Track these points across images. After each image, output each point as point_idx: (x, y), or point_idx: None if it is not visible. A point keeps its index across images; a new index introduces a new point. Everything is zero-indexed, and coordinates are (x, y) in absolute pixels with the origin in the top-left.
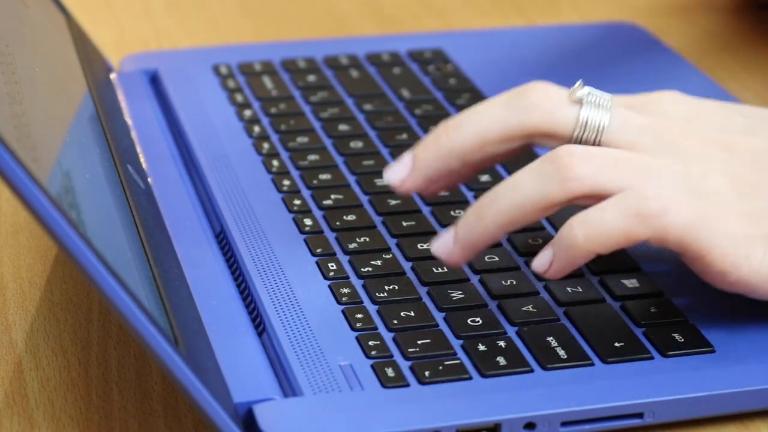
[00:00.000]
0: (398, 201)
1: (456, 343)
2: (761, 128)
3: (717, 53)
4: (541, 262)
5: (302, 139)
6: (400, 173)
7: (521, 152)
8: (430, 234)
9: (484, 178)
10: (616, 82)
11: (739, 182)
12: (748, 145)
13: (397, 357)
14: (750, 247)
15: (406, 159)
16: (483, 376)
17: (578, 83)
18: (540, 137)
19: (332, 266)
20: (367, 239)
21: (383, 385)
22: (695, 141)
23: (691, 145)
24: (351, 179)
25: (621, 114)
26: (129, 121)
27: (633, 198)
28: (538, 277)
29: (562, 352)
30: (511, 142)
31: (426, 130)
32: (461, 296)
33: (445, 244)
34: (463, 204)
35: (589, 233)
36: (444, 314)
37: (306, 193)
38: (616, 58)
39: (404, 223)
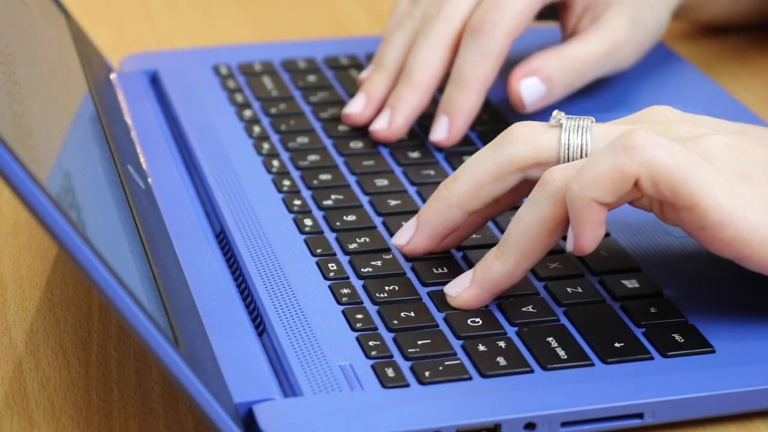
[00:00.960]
0: (398, 202)
1: (456, 344)
2: (749, 129)
3: (717, 53)
4: (567, 242)
5: (302, 140)
6: (406, 234)
7: (521, 192)
8: None
9: None
10: (618, 82)
11: (733, 150)
12: (741, 131)
13: (398, 357)
14: (747, 206)
15: (411, 221)
16: (483, 376)
17: (556, 111)
18: (530, 168)
19: (332, 266)
20: (368, 239)
21: (383, 386)
22: (686, 129)
23: (682, 132)
24: (351, 179)
25: (602, 129)
26: (129, 121)
27: (620, 137)
28: (536, 277)
29: (562, 353)
30: (505, 179)
31: (426, 131)
32: None
33: (460, 284)
34: None
35: (582, 179)
36: (444, 314)
37: (306, 193)
38: None
39: (404, 224)
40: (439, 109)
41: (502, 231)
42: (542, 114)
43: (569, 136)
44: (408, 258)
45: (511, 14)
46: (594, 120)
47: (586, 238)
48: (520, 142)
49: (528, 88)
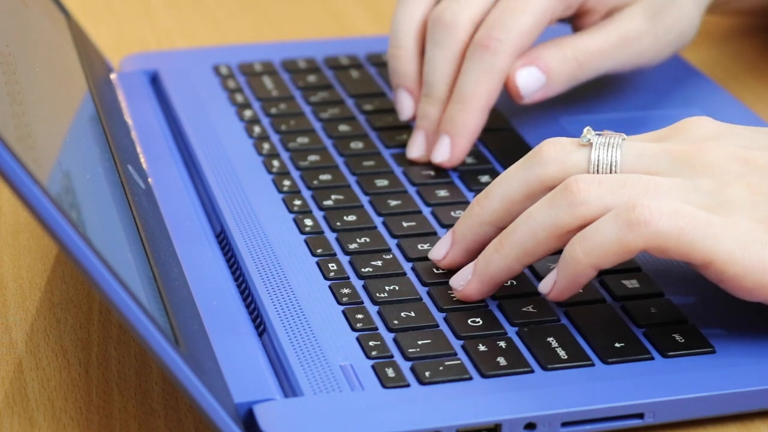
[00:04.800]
0: (399, 201)
1: (456, 344)
2: None
3: (723, 60)
4: (545, 283)
5: (303, 140)
6: (442, 249)
7: None
8: (430, 234)
9: (485, 178)
10: (624, 88)
11: (756, 192)
12: None
13: (398, 357)
14: (765, 252)
15: (446, 235)
16: (483, 376)
17: (586, 129)
18: None
19: (332, 266)
20: (368, 240)
21: (383, 386)
22: (713, 157)
23: (709, 162)
24: (351, 180)
25: (633, 147)
26: (129, 121)
27: (623, 208)
28: (537, 277)
29: (562, 353)
30: (536, 197)
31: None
32: None
33: (463, 277)
34: (464, 204)
35: (586, 247)
36: (444, 314)
37: (306, 193)
38: None
39: (404, 224)
40: (440, 128)
41: None
42: (544, 112)
43: (599, 153)
44: (408, 258)
45: (516, 33)
46: (625, 137)
47: (569, 294)
48: (549, 163)
49: (525, 77)
